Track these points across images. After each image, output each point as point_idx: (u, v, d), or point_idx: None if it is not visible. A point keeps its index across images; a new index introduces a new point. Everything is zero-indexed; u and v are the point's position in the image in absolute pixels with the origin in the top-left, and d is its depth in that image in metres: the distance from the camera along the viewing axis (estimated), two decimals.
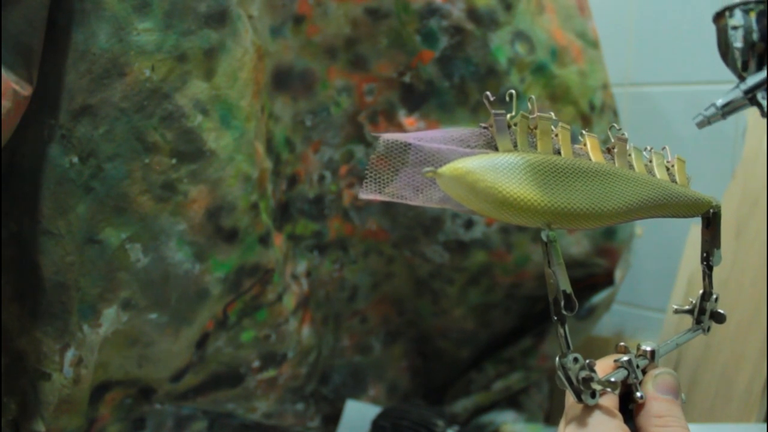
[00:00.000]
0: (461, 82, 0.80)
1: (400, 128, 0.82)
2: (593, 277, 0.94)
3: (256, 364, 0.77)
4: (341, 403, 0.91)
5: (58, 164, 0.63)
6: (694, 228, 1.06)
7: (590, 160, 0.35)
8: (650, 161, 0.38)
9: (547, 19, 0.86)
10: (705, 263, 0.39)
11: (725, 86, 1.04)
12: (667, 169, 0.38)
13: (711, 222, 0.39)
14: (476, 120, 0.82)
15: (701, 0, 1.05)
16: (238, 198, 0.69)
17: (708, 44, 1.07)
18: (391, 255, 0.89)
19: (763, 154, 0.92)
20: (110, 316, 0.66)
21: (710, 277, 0.39)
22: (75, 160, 0.63)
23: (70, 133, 0.63)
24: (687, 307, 0.40)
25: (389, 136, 0.31)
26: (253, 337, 0.75)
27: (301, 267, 0.82)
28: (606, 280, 0.94)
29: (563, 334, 0.33)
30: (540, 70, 0.83)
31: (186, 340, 0.71)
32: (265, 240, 0.72)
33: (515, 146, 0.33)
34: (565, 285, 0.32)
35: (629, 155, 0.37)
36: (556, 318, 0.32)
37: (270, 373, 0.78)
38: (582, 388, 0.32)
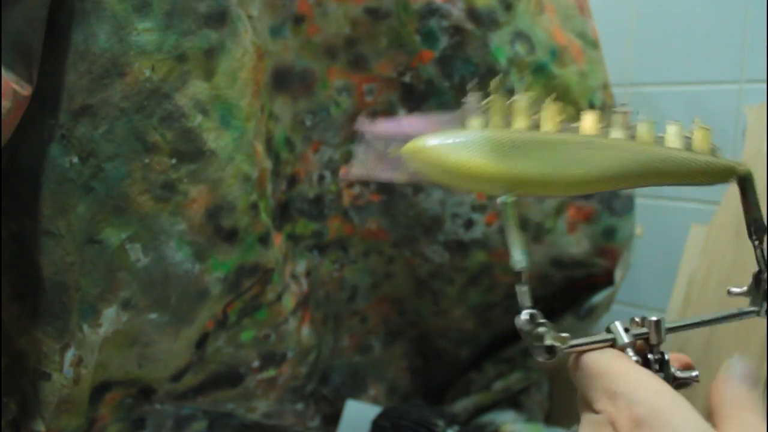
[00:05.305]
0: (461, 82, 0.80)
1: None
2: (593, 277, 0.94)
3: (255, 363, 0.77)
4: (341, 403, 0.91)
5: (58, 164, 0.63)
6: (694, 228, 1.06)
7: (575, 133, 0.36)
8: (665, 133, 0.37)
9: (547, 19, 0.86)
10: (752, 238, 0.37)
11: (725, 86, 1.04)
12: (687, 138, 0.37)
13: (744, 189, 0.38)
14: None
15: (701, 0, 1.05)
16: (238, 198, 0.69)
17: (708, 44, 1.07)
18: (391, 255, 0.89)
19: (763, 154, 0.92)
20: (110, 316, 0.66)
21: (762, 251, 0.37)
22: (75, 160, 0.63)
23: (70, 133, 0.63)
24: (744, 289, 0.38)
25: (367, 125, 0.35)
26: (253, 336, 0.75)
27: (301, 267, 0.82)
28: (606, 280, 0.94)
29: (520, 290, 0.34)
30: (540, 70, 0.83)
31: (186, 339, 0.71)
32: (264, 240, 0.72)
33: (487, 126, 0.35)
34: (514, 243, 0.34)
35: (633, 127, 0.36)
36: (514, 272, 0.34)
37: (270, 372, 0.78)
38: (537, 343, 0.33)
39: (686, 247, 1.05)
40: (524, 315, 0.34)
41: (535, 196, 0.34)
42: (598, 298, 0.93)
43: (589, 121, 0.36)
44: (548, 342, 0.33)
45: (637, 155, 0.36)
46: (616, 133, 0.36)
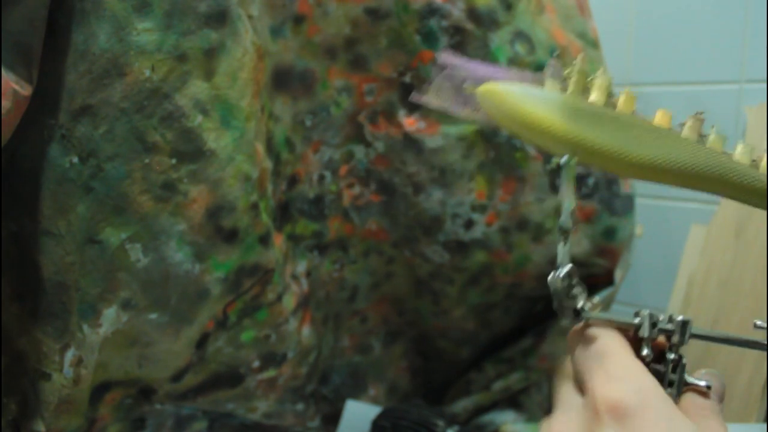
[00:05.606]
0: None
1: (400, 128, 0.82)
2: (593, 277, 0.94)
3: (256, 364, 0.77)
4: (341, 403, 0.91)
5: (58, 164, 0.63)
6: (694, 228, 1.06)
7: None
8: (733, 150, 0.37)
9: (547, 19, 0.86)
10: None
11: (725, 86, 1.04)
12: (753, 160, 0.37)
13: None
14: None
15: (701, 0, 1.05)
16: (238, 198, 0.69)
17: (708, 44, 1.07)
18: (391, 255, 0.89)
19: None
20: (110, 316, 0.66)
21: None
22: (75, 160, 0.63)
23: (70, 133, 0.63)
24: None
25: (449, 57, 0.36)
26: (253, 337, 0.75)
27: (301, 267, 0.82)
28: (606, 280, 0.94)
29: (562, 249, 0.35)
30: (540, 69, 0.83)
31: (186, 340, 0.71)
32: (265, 240, 0.72)
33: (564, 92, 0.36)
34: (566, 203, 0.35)
35: (705, 136, 0.36)
36: (559, 231, 0.35)
37: (270, 373, 0.78)
38: (567, 303, 0.34)
39: (686, 247, 1.05)
40: (562, 271, 0.34)
41: (596, 167, 0.34)
42: (599, 298, 0.93)
43: (661, 117, 0.36)
44: (579, 304, 0.34)
45: (705, 158, 0.36)
46: (688, 135, 0.36)
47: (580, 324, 0.34)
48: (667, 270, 1.08)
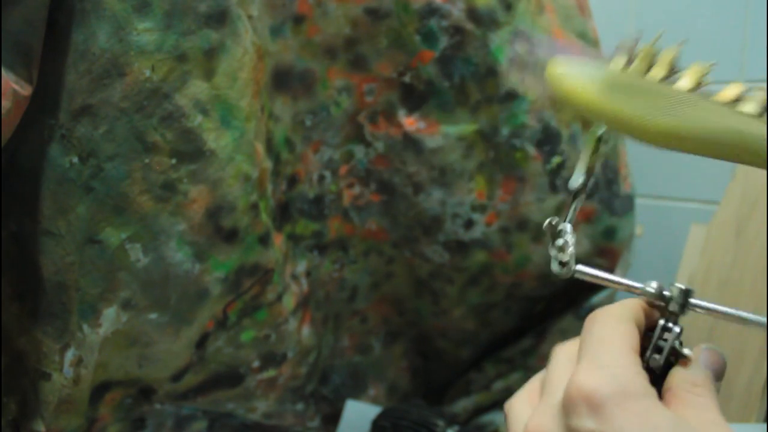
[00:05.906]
0: (461, 82, 0.80)
1: (400, 128, 0.82)
2: None
3: (256, 364, 0.77)
4: (341, 403, 0.91)
5: (58, 164, 0.63)
6: (694, 228, 1.06)
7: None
8: None
9: (547, 19, 0.85)
10: None
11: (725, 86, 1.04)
12: None
13: None
14: (476, 120, 0.82)
15: (701, 0, 1.05)
16: (238, 198, 0.69)
17: (708, 44, 1.07)
18: (391, 255, 0.89)
19: None
20: (110, 316, 0.66)
21: None
22: (75, 160, 0.63)
23: (70, 133, 0.63)
24: None
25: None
26: (253, 337, 0.75)
27: (301, 267, 0.82)
28: None
29: (569, 205, 0.36)
30: (540, 70, 0.83)
31: (186, 339, 0.71)
32: (265, 240, 0.72)
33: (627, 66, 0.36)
34: (583, 163, 0.37)
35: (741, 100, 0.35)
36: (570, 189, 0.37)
37: (270, 373, 0.78)
38: (554, 254, 0.35)
39: (686, 247, 1.05)
40: (549, 220, 0.35)
41: (625, 135, 0.35)
42: (598, 298, 0.93)
43: (730, 90, 0.35)
44: (564, 257, 0.35)
45: (736, 124, 0.34)
46: (747, 107, 0.35)
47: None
48: (667, 270, 1.08)
